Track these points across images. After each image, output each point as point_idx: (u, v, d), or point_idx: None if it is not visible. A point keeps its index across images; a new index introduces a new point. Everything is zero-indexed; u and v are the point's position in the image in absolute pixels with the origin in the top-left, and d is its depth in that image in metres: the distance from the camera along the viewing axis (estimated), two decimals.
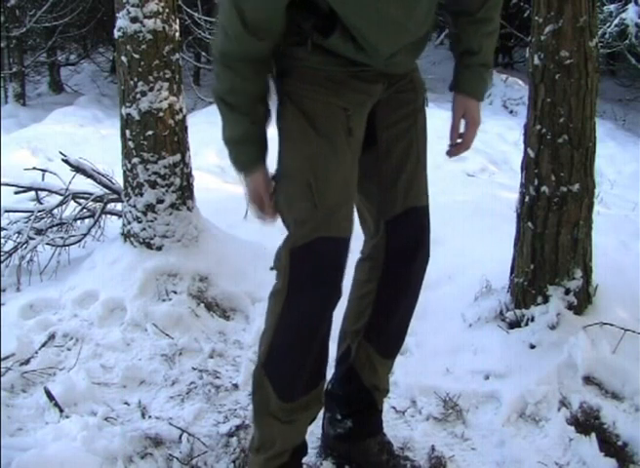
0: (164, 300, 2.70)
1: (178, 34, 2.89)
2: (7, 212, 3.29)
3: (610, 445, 1.93)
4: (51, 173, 3.60)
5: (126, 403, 2.16)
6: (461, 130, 1.74)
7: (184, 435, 1.96)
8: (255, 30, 1.44)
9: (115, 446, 1.86)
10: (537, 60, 2.27)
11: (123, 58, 2.81)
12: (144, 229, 2.88)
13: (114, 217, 3.38)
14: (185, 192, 2.94)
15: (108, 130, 6.25)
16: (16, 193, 3.50)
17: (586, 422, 2.01)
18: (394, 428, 2.01)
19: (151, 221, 2.88)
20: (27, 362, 2.36)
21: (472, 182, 4.52)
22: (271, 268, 1.61)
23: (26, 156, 5.37)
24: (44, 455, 1.73)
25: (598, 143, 2.34)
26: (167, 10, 2.81)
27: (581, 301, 2.35)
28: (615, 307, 2.36)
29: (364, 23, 1.45)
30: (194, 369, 2.34)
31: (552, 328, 2.27)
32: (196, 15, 7.59)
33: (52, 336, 2.52)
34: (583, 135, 2.26)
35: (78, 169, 3.31)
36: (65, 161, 3.32)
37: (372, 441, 1.81)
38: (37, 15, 9.02)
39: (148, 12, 2.76)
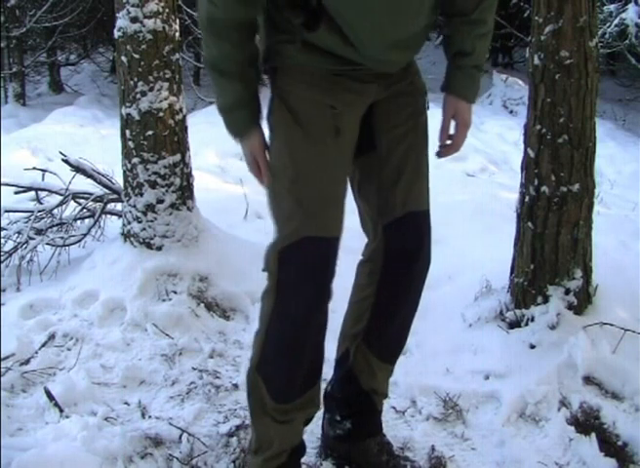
0: (164, 300, 2.70)
1: (178, 34, 2.89)
2: (7, 212, 3.29)
3: (610, 445, 1.93)
4: (51, 173, 3.60)
5: (126, 403, 2.16)
6: (451, 131, 1.73)
7: (184, 435, 1.96)
8: None
9: (115, 446, 1.85)
10: (537, 60, 2.27)
11: (123, 58, 2.81)
12: (144, 229, 2.88)
13: (114, 217, 3.38)
14: (185, 192, 2.94)
15: (108, 130, 6.25)
16: (16, 193, 3.50)
17: (586, 422, 2.01)
18: (394, 428, 2.01)
19: (151, 221, 2.88)
20: (27, 362, 2.36)
21: (472, 182, 4.52)
22: (263, 270, 1.61)
23: (26, 156, 5.37)
24: (44, 455, 1.73)
25: (598, 143, 2.34)
26: (167, 10, 2.81)
27: (581, 301, 2.35)
28: (615, 307, 2.36)
29: (351, 13, 1.44)
30: (194, 369, 2.34)
31: (552, 328, 2.27)
32: (196, 15, 7.58)
33: (52, 336, 2.52)
34: (583, 135, 2.26)
35: (78, 169, 3.31)
36: (65, 161, 3.32)
37: (371, 441, 1.81)
38: (37, 15, 9.01)
39: (148, 12, 2.76)
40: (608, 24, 6.91)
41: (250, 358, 1.68)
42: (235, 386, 2.25)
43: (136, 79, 2.80)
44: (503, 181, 4.59)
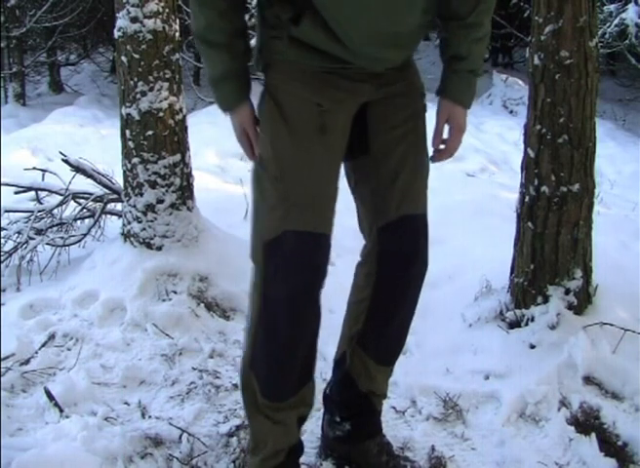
0: (164, 300, 2.70)
1: (178, 34, 2.89)
2: (7, 212, 3.29)
3: (610, 445, 1.93)
4: (51, 173, 3.60)
5: (126, 403, 2.16)
6: (445, 136, 1.70)
7: (184, 435, 1.96)
8: None
9: (115, 446, 1.85)
10: (537, 60, 2.27)
11: (123, 58, 2.81)
12: (144, 229, 2.88)
13: (114, 217, 3.38)
14: (185, 192, 2.94)
15: (108, 130, 6.25)
16: (16, 193, 3.50)
17: (586, 422, 2.01)
18: (394, 428, 2.01)
19: (151, 221, 2.88)
20: (27, 362, 2.36)
21: (472, 182, 4.53)
22: (250, 258, 1.61)
23: (26, 156, 5.37)
24: (44, 455, 1.73)
25: (598, 143, 2.34)
26: (167, 10, 2.81)
27: (581, 301, 2.35)
28: (615, 307, 2.36)
29: (336, 7, 1.44)
30: (194, 369, 2.34)
31: (552, 328, 2.27)
32: None
33: (52, 336, 2.51)
34: (583, 135, 2.26)
35: (78, 169, 3.31)
36: (65, 161, 3.32)
37: (371, 442, 1.81)
38: (37, 15, 9.00)
39: (148, 12, 2.76)
40: (608, 24, 6.91)
41: (242, 355, 1.68)
42: (235, 386, 2.25)
43: (136, 79, 2.80)
44: (503, 181, 4.59)
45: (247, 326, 1.66)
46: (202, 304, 2.72)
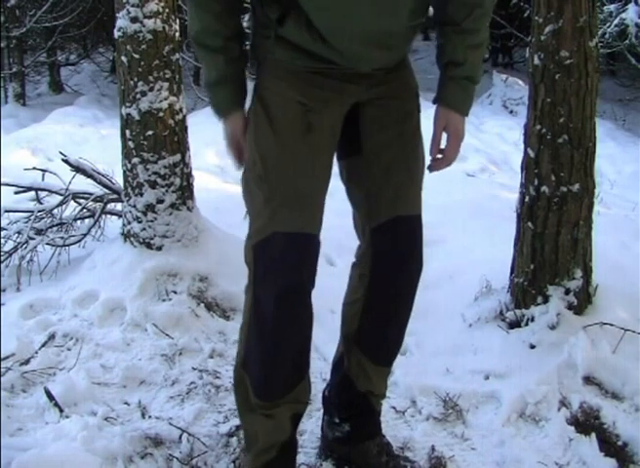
0: (164, 300, 2.70)
1: (178, 34, 2.89)
2: (7, 212, 3.29)
3: (610, 445, 1.93)
4: (51, 173, 3.60)
5: (126, 403, 2.16)
6: (443, 145, 1.68)
7: (184, 435, 1.96)
8: None
9: (115, 446, 1.85)
10: (537, 60, 2.27)
11: (123, 58, 2.81)
12: (144, 229, 2.88)
13: (114, 217, 3.38)
14: (185, 192, 2.94)
15: (108, 130, 6.25)
16: (16, 193, 3.50)
17: (586, 422, 2.01)
18: (394, 428, 2.01)
19: (151, 221, 2.88)
20: (27, 362, 2.35)
21: (472, 182, 4.53)
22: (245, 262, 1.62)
23: (26, 156, 5.38)
24: (44, 455, 1.73)
25: (598, 143, 2.34)
26: (167, 10, 2.81)
27: (581, 301, 2.35)
28: (615, 307, 2.36)
29: (320, 6, 1.44)
30: (194, 369, 2.34)
31: (552, 328, 2.27)
32: None
33: (52, 336, 2.51)
34: (583, 135, 2.26)
35: (78, 169, 3.31)
36: (65, 161, 3.32)
37: (371, 443, 1.80)
38: (37, 15, 9.00)
39: (148, 12, 2.75)
40: (608, 24, 6.91)
41: (236, 353, 1.68)
42: None
43: (136, 79, 2.80)
44: (503, 181, 4.59)
45: (241, 324, 1.66)
46: (202, 304, 2.72)
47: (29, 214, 3.29)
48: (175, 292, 2.72)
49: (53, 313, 2.70)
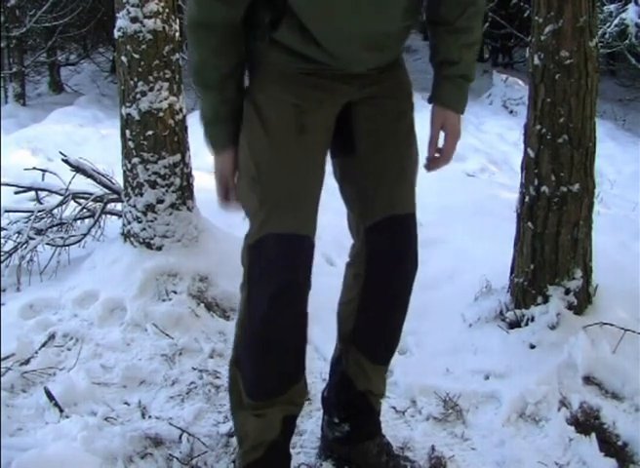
0: (164, 300, 2.70)
1: (178, 34, 2.89)
2: (7, 212, 3.29)
3: (610, 445, 1.93)
4: (51, 173, 3.60)
5: (126, 403, 2.16)
6: (440, 144, 1.68)
7: (184, 435, 1.96)
8: None
9: (115, 446, 1.85)
10: (537, 60, 2.27)
11: (123, 58, 2.81)
12: (144, 229, 2.88)
13: (114, 217, 3.38)
14: (185, 192, 2.94)
15: (108, 130, 6.24)
16: (16, 193, 3.50)
17: (586, 422, 2.00)
18: (394, 428, 2.01)
19: (151, 221, 2.88)
20: (27, 362, 2.35)
21: (472, 182, 4.53)
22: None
23: (26, 156, 5.37)
24: (44, 455, 1.73)
25: (598, 143, 2.34)
26: (167, 10, 2.81)
27: (581, 301, 2.35)
28: (615, 307, 2.36)
29: (313, 9, 1.44)
30: (194, 369, 2.34)
31: (552, 328, 2.27)
32: None
33: (52, 336, 2.51)
34: (583, 135, 2.26)
35: (78, 169, 3.31)
36: (65, 161, 3.32)
37: (370, 443, 1.80)
38: (37, 15, 8.99)
39: (148, 12, 2.75)
40: (608, 24, 6.91)
41: (231, 354, 1.68)
42: None
43: (136, 79, 2.80)
44: (503, 181, 4.59)
45: (236, 322, 1.66)
46: (202, 304, 2.72)
47: (29, 214, 3.29)
48: (175, 292, 2.72)
49: (53, 313, 2.70)
